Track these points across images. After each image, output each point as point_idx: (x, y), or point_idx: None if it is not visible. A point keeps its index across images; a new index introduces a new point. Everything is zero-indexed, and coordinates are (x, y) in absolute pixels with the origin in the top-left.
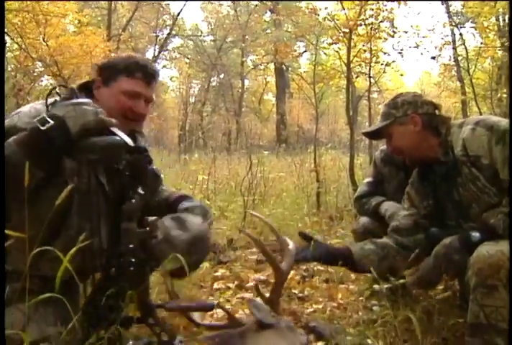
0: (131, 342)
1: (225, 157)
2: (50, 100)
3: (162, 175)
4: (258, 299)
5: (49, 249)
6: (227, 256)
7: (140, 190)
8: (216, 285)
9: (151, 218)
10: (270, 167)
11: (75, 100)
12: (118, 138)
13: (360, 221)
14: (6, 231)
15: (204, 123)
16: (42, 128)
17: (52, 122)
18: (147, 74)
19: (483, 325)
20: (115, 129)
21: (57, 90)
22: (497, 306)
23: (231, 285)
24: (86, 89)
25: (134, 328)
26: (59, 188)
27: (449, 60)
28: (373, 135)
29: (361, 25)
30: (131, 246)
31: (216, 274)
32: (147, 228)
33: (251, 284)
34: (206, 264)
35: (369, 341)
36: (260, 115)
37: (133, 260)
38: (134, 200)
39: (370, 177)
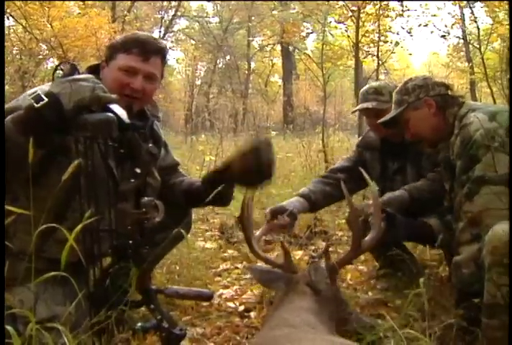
0: (139, 323)
1: (232, 138)
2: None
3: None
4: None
5: (55, 231)
6: (235, 236)
7: (137, 170)
8: (224, 266)
9: (146, 199)
10: (278, 147)
11: (72, 77)
12: (109, 114)
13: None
14: (12, 208)
15: (210, 104)
16: (36, 105)
17: (46, 99)
18: (145, 49)
19: (500, 305)
20: (113, 106)
21: (61, 66)
22: None
23: (239, 266)
24: (95, 71)
25: (142, 310)
26: (64, 169)
27: (459, 39)
28: (390, 124)
29: (369, 3)
30: (129, 227)
31: (224, 254)
32: (143, 210)
33: (259, 264)
34: (213, 245)
35: (379, 321)
36: (267, 97)
37: (130, 242)
38: (131, 180)
39: (355, 157)
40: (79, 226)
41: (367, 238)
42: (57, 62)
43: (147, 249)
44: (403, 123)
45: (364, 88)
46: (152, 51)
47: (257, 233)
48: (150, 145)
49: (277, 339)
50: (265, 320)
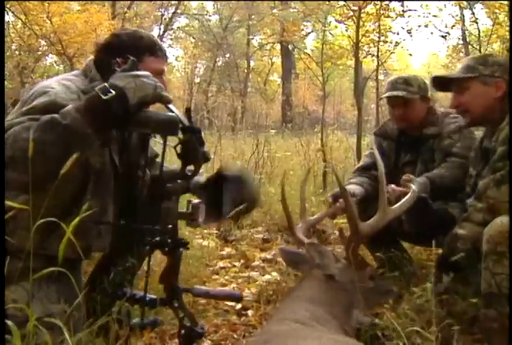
0: (136, 319)
1: (230, 137)
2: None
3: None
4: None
5: (58, 227)
6: (233, 234)
7: (187, 172)
8: (221, 264)
9: (195, 201)
10: (276, 146)
11: (135, 72)
12: (173, 115)
13: None
14: (12, 204)
15: (209, 103)
16: (104, 97)
17: (113, 92)
18: (163, 50)
19: (495, 294)
20: (171, 106)
21: (118, 59)
22: (506, 274)
23: (236, 264)
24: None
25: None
26: (78, 165)
27: (458, 39)
28: (442, 84)
29: (370, 3)
30: (170, 226)
31: (222, 252)
32: (190, 211)
33: (257, 263)
34: (211, 243)
35: (377, 320)
36: (266, 95)
37: (169, 241)
38: (178, 181)
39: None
40: (76, 219)
41: (369, 221)
42: (56, 59)
43: (184, 250)
44: (458, 89)
45: (393, 77)
46: (165, 51)
47: (315, 216)
48: (205, 149)
49: (282, 335)
50: (280, 306)
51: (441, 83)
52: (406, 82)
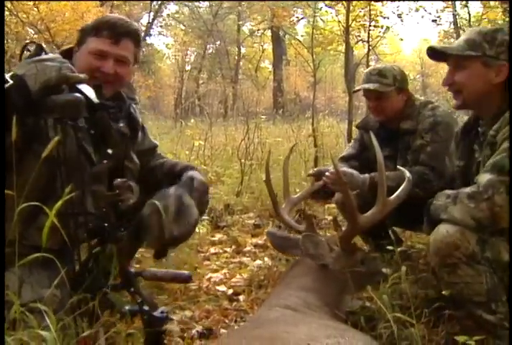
0: (127, 307)
1: (221, 124)
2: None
3: (157, 142)
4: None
5: (36, 218)
6: (224, 220)
7: (109, 151)
8: (213, 250)
9: (119, 180)
10: (267, 133)
11: (38, 57)
12: (77, 95)
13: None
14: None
15: (200, 90)
16: None
17: (10, 81)
18: (115, 31)
19: (459, 299)
20: (82, 86)
21: (28, 47)
22: (465, 282)
23: (228, 250)
24: (68, 56)
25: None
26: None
27: (450, 24)
28: (437, 55)
29: None
30: (104, 209)
31: (213, 238)
32: (116, 191)
33: (248, 248)
34: (203, 229)
35: (367, 304)
36: (257, 82)
37: (105, 225)
38: (104, 161)
39: (357, 141)
40: (59, 203)
41: (368, 213)
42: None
43: (123, 232)
44: (455, 66)
45: (369, 68)
46: (122, 33)
47: (297, 194)
48: (121, 125)
49: (273, 321)
50: (271, 293)
51: (437, 53)
52: (380, 73)
